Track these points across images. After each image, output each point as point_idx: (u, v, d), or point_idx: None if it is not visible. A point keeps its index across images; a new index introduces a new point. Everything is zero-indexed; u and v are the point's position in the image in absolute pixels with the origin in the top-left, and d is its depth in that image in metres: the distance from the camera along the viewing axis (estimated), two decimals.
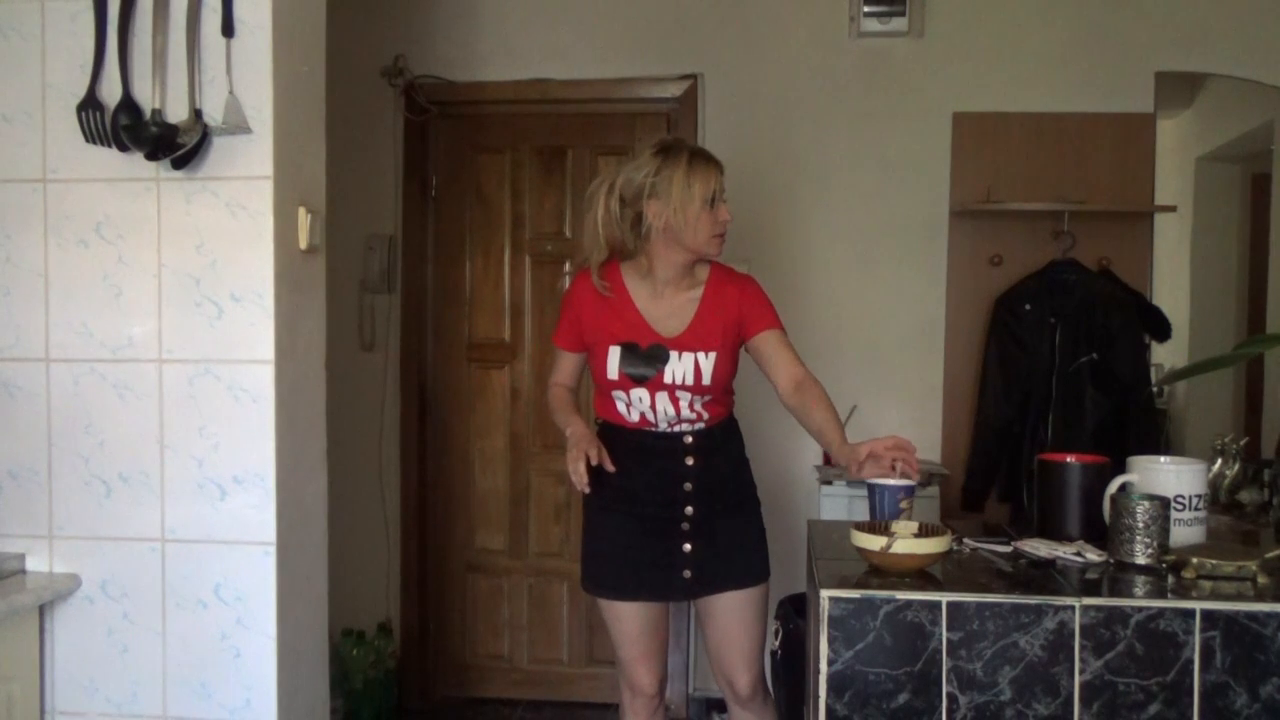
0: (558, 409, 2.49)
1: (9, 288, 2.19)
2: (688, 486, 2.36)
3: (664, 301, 2.38)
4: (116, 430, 2.17)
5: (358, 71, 3.73)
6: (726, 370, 2.37)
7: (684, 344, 2.33)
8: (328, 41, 2.38)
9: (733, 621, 2.42)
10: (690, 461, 2.36)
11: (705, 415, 2.36)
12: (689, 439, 2.36)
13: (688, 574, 2.37)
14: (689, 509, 2.36)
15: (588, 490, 2.27)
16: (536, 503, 3.89)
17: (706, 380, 2.33)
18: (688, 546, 2.36)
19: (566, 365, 2.52)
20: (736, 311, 2.37)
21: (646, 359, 2.33)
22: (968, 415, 3.61)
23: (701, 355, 2.33)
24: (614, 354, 2.34)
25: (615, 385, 2.35)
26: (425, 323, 3.90)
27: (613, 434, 2.39)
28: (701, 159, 2.31)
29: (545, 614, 3.90)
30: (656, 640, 2.48)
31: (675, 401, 2.33)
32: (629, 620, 2.43)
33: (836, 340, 3.66)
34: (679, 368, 2.32)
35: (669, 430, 2.36)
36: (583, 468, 2.23)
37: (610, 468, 2.28)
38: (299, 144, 2.24)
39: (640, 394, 2.33)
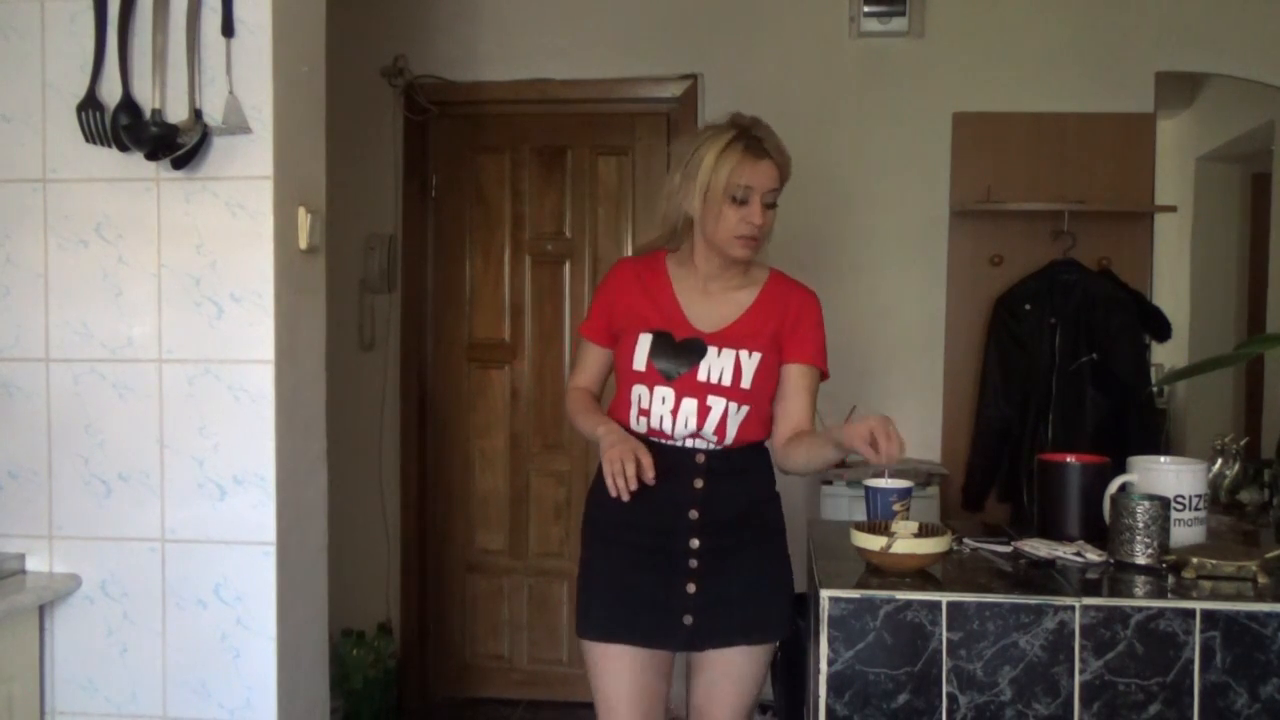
0: (580, 412, 2.15)
1: (9, 288, 2.18)
2: (693, 514, 2.04)
3: (708, 298, 2.10)
4: (116, 430, 2.16)
5: (358, 71, 3.73)
6: (770, 379, 2.07)
7: (725, 340, 2.05)
8: (328, 41, 2.37)
9: (725, 679, 2.09)
10: (699, 484, 2.05)
11: (731, 435, 2.05)
12: (700, 458, 2.05)
13: (689, 620, 2.04)
14: (694, 542, 2.04)
15: (627, 499, 1.95)
16: (536, 503, 3.89)
17: (746, 383, 2.03)
18: (691, 587, 2.04)
19: (591, 363, 2.20)
20: (791, 324, 2.10)
21: (680, 353, 2.05)
22: (968, 415, 3.61)
23: (744, 353, 2.04)
24: (644, 341, 2.06)
25: (639, 379, 2.05)
26: (425, 323, 3.90)
27: None
28: (742, 145, 2.01)
29: (545, 614, 3.90)
30: (648, 701, 2.10)
31: (704, 411, 2.02)
32: (618, 673, 2.07)
33: (836, 340, 3.60)
34: (717, 364, 2.03)
35: (680, 445, 2.05)
36: (632, 470, 1.92)
37: (651, 479, 1.95)
38: (299, 144, 2.24)
39: (665, 394, 2.03)
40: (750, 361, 2.04)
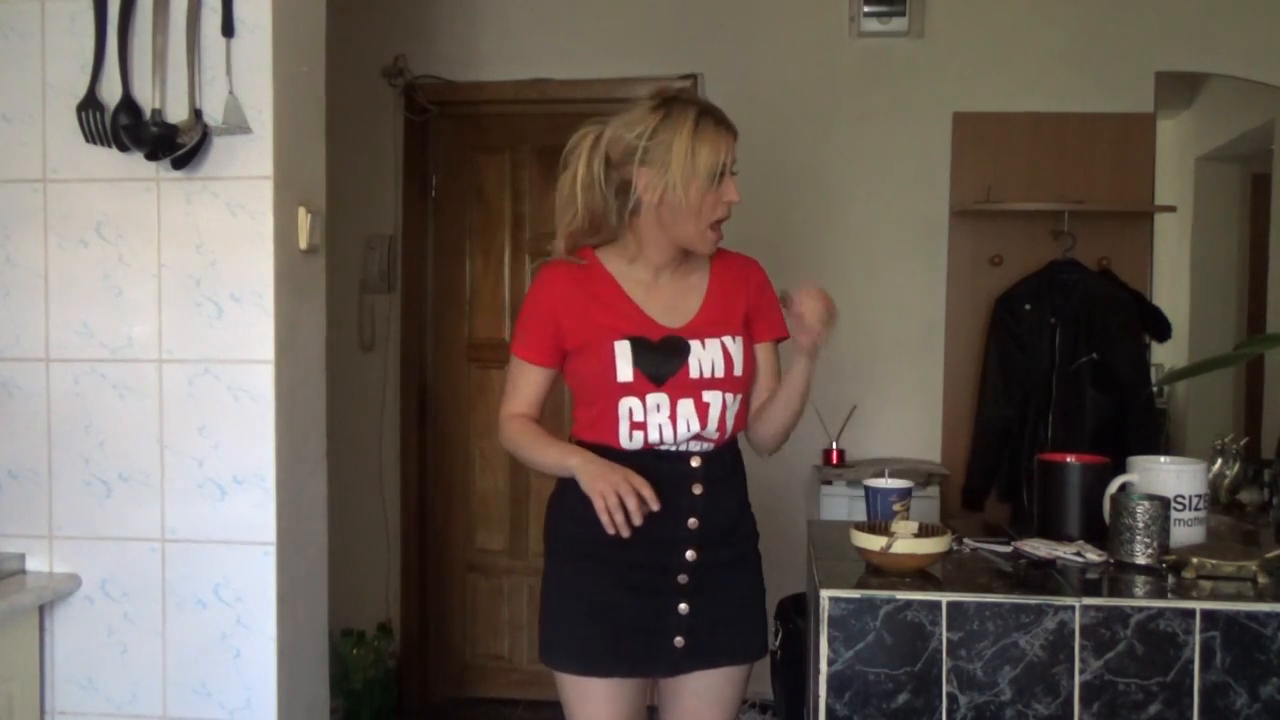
0: (532, 442, 1.94)
1: (9, 288, 2.18)
2: (692, 523, 1.88)
3: (662, 291, 1.93)
4: (116, 430, 2.16)
5: (358, 71, 3.73)
6: (752, 360, 1.95)
7: (703, 330, 1.90)
8: (328, 41, 2.38)
9: (709, 705, 1.95)
10: (698, 491, 1.89)
11: (728, 429, 1.92)
12: (695, 461, 1.89)
13: (680, 642, 1.88)
14: (690, 553, 1.88)
15: (627, 534, 1.76)
16: (536, 503, 3.89)
17: (739, 369, 1.90)
18: (684, 607, 1.88)
19: (530, 388, 1.95)
20: (755, 301, 1.98)
21: (662, 354, 1.87)
22: (968, 415, 3.61)
23: (729, 339, 1.90)
24: (623, 349, 1.85)
25: (627, 391, 1.86)
26: (425, 323, 3.90)
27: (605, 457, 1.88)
28: (711, 121, 1.84)
29: None
30: None
31: (703, 408, 1.87)
32: (600, 704, 1.88)
33: (836, 340, 3.58)
34: (706, 356, 1.88)
35: (671, 450, 1.89)
36: (634, 504, 1.75)
37: (657, 508, 1.77)
38: (299, 144, 2.24)
39: (658, 400, 1.85)
40: (736, 346, 1.91)
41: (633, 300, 1.92)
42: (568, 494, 1.92)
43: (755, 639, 1.99)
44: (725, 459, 1.95)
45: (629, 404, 1.87)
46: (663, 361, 1.87)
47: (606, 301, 1.91)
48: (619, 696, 1.90)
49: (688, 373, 1.87)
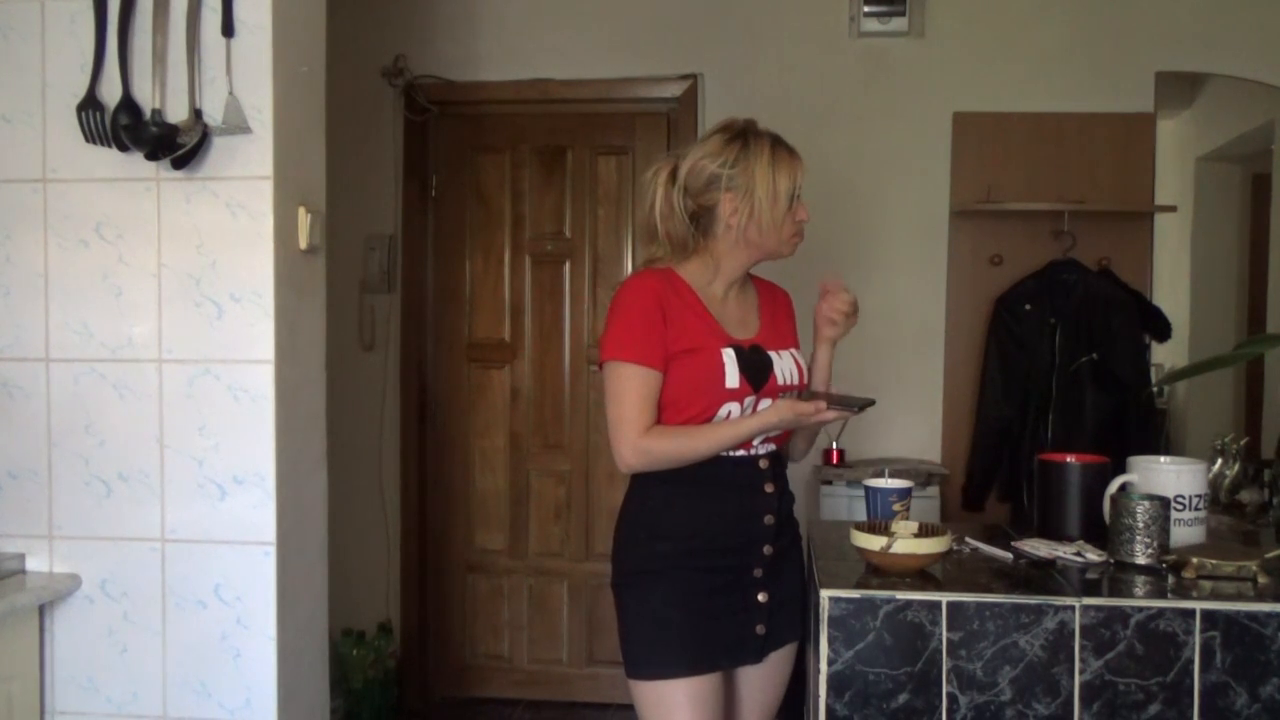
0: (697, 437, 1.93)
1: (9, 288, 2.18)
2: (768, 520, 2.00)
3: (731, 306, 2.06)
4: (116, 430, 2.16)
5: (358, 71, 3.73)
6: None
7: (770, 342, 2.05)
8: (328, 41, 2.38)
9: (771, 684, 2.09)
10: (769, 489, 2.01)
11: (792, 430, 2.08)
12: (763, 463, 2.01)
13: (760, 629, 2.00)
14: (766, 548, 2.00)
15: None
16: (536, 503, 3.89)
17: (806, 377, 2.09)
18: (762, 596, 2.00)
19: (653, 395, 1.95)
20: (794, 323, 2.17)
21: (754, 363, 2.00)
22: (968, 415, 3.61)
23: (794, 352, 2.09)
24: (729, 356, 1.95)
25: (732, 396, 1.95)
26: (425, 323, 3.90)
27: (681, 472, 1.96)
28: (784, 150, 2.02)
29: (545, 614, 3.90)
30: None
31: None
32: (692, 707, 1.93)
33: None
34: (783, 365, 2.03)
35: (746, 455, 1.99)
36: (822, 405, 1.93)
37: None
38: (299, 144, 2.24)
39: (753, 403, 1.99)
40: (802, 357, 2.10)
41: (711, 313, 2.03)
42: (652, 515, 2.01)
43: (806, 614, 2.09)
44: (781, 458, 2.09)
45: (730, 408, 1.97)
46: (758, 370, 2.00)
47: (696, 311, 2.01)
48: (710, 695, 1.96)
49: (775, 380, 2.01)
